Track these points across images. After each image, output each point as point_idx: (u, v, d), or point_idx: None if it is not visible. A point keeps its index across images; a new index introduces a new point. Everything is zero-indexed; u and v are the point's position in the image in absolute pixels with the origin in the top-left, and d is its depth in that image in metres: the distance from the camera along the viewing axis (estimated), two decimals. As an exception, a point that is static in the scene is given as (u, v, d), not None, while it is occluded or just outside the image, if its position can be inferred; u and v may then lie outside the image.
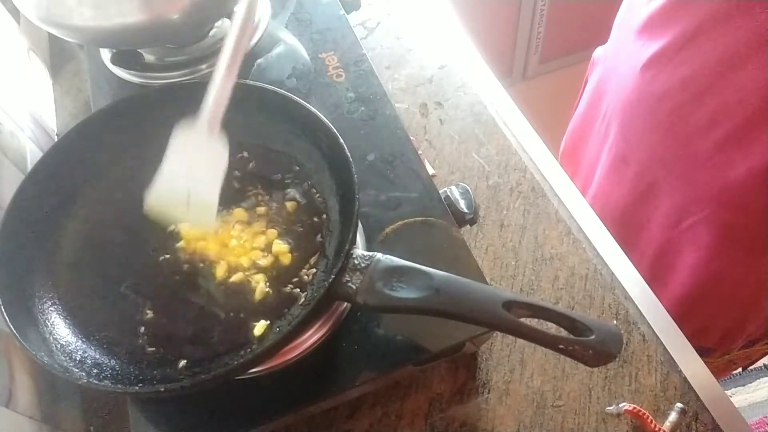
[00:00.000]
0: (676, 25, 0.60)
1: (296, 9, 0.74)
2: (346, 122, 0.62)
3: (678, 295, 0.72)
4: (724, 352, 0.77)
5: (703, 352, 0.60)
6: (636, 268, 0.62)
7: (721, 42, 0.56)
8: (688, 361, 0.55)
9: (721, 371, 0.85)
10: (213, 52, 0.72)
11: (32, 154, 0.69)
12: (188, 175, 0.49)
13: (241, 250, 0.49)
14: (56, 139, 0.72)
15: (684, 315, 0.69)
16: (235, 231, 0.50)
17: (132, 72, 0.71)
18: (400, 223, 0.55)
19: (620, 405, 0.52)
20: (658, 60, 0.63)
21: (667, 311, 0.60)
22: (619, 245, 0.64)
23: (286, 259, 0.49)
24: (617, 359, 0.55)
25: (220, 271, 0.48)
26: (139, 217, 0.51)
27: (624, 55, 0.70)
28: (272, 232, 0.50)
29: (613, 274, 0.61)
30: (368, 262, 0.44)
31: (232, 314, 0.47)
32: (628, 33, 0.68)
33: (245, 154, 0.54)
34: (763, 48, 0.52)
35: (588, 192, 0.85)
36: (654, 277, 0.69)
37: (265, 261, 0.48)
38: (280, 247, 0.49)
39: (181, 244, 0.50)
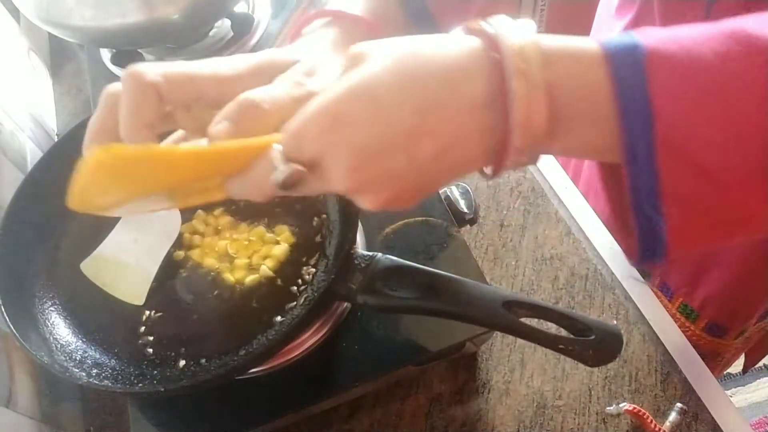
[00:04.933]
0: (635, 2, 0.59)
1: (296, 9, 0.74)
2: (346, 122, 0.62)
3: (720, 287, 0.70)
4: (740, 332, 0.75)
5: (720, 332, 0.60)
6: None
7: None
8: (688, 361, 0.55)
9: (740, 350, 0.83)
10: (213, 52, 0.72)
11: (32, 154, 0.69)
12: (134, 246, 0.48)
13: (243, 252, 0.49)
14: (56, 139, 0.72)
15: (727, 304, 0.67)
16: (238, 233, 0.50)
17: (132, 72, 0.71)
18: (400, 223, 0.55)
19: (620, 405, 0.52)
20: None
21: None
22: None
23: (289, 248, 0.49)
24: (617, 359, 0.55)
25: (219, 273, 0.48)
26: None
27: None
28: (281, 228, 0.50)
29: (613, 274, 0.61)
30: (368, 262, 0.44)
31: (232, 315, 0.47)
32: (606, 17, 0.68)
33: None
34: None
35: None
36: (701, 270, 0.68)
37: (267, 261, 0.49)
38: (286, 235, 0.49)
39: (181, 244, 0.50)
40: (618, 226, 0.34)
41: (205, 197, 0.37)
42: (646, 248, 0.31)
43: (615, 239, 0.35)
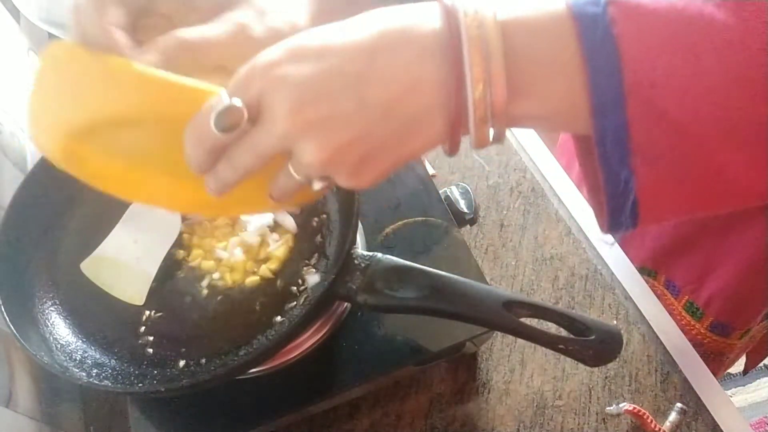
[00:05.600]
0: None
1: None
2: (346, 122, 0.62)
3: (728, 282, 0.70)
4: (744, 332, 0.75)
5: (725, 331, 0.59)
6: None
7: None
8: (688, 361, 0.55)
9: (744, 350, 0.82)
10: (213, 52, 0.72)
11: (32, 154, 0.69)
12: (134, 246, 0.49)
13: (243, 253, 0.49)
14: (56, 139, 0.72)
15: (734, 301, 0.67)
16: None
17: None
18: (400, 223, 0.55)
19: (620, 405, 0.52)
20: None
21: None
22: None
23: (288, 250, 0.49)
24: (617, 359, 0.55)
25: (220, 274, 0.48)
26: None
27: None
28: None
29: (613, 274, 0.61)
30: (368, 262, 0.44)
31: (232, 315, 0.47)
32: None
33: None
34: None
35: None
36: (707, 268, 0.68)
37: (266, 263, 0.49)
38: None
39: (181, 244, 0.50)
40: (592, 197, 0.33)
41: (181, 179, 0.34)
42: (616, 210, 0.30)
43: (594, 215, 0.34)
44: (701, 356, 0.56)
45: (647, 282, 0.63)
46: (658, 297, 0.61)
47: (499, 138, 0.30)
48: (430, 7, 0.29)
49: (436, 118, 0.29)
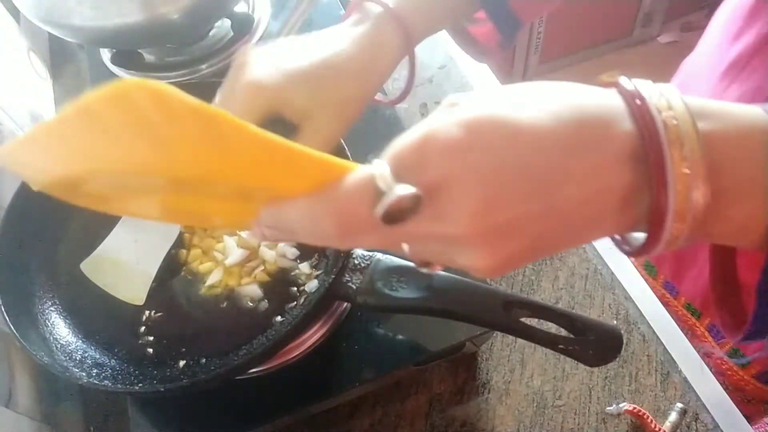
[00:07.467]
0: (751, 30, 0.56)
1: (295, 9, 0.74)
2: (346, 122, 0.62)
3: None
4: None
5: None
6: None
7: None
8: (688, 361, 0.55)
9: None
10: (213, 52, 0.72)
11: (32, 154, 0.69)
12: (134, 246, 0.49)
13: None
14: (56, 139, 0.72)
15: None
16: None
17: (132, 72, 0.71)
18: (400, 223, 0.55)
19: (620, 405, 0.52)
20: (733, 68, 0.59)
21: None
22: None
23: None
24: (617, 359, 0.55)
25: (219, 274, 0.48)
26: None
27: (708, 61, 0.65)
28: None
29: (613, 274, 0.61)
30: (368, 262, 0.44)
31: (232, 315, 0.47)
32: (714, 37, 0.64)
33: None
34: None
35: None
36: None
37: (265, 264, 0.49)
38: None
39: (181, 244, 0.50)
40: (720, 302, 0.33)
41: (213, 217, 0.31)
42: (758, 329, 0.30)
43: (718, 314, 0.33)
44: (740, 401, 0.54)
45: (687, 319, 0.62)
46: (699, 339, 0.60)
47: (688, 242, 0.27)
48: (616, 101, 0.26)
49: (609, 224, 0.26)
